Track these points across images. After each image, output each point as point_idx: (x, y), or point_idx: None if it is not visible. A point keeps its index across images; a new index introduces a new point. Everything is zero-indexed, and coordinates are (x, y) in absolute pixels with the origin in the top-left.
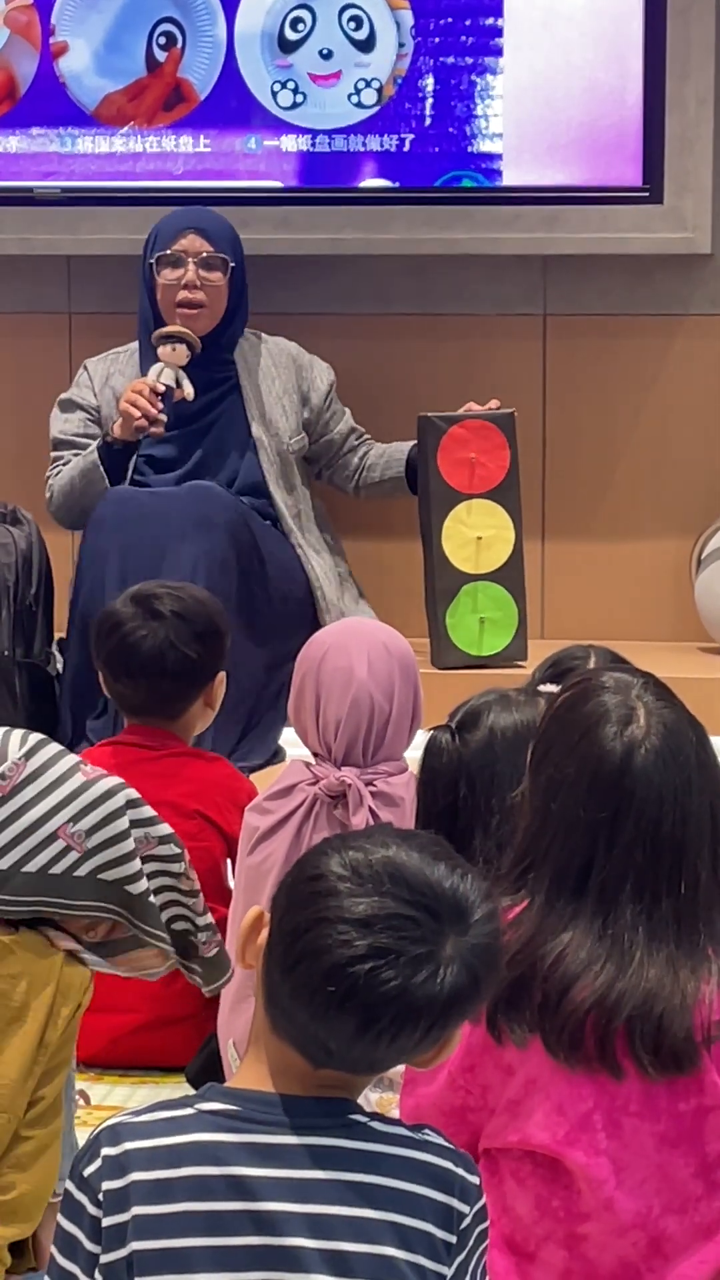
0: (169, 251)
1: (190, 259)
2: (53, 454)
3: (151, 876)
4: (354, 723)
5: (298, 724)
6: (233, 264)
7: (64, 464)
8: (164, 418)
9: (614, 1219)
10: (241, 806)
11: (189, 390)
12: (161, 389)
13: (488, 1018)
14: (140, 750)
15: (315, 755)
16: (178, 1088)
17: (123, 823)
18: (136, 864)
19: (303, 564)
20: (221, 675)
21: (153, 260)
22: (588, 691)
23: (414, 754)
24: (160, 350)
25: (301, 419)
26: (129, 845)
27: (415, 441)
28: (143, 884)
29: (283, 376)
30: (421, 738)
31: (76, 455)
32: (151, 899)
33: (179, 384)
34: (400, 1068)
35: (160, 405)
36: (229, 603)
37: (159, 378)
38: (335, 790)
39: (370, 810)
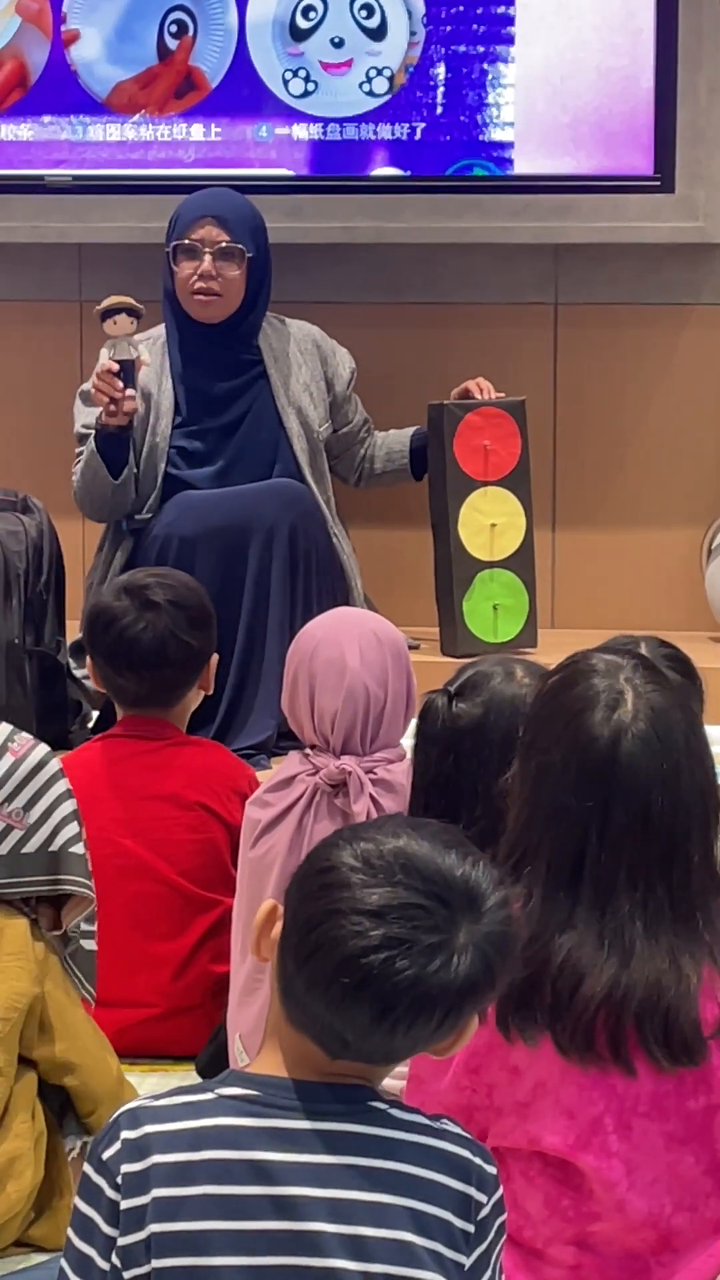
0: (186, 241)
1: (207, 249)
2: (77, 449)
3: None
4: (350, 713)
5: (293, 718)
6: (250, 254)
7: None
8: (131, 393)
9: (625, 1219)
10: (242, 793)
11: (145, 356)
12: (115, 368)
13: (498, 1018)
14: (137, 743)
15: (312, 747)
16: (187, 1076)
17: (60, 785)
18: (76, 825)
19: (339, 553)
20: (215, 658)
21: (169, 249)
22: (576, 674)
23: (409, 741)
24: (105, 327)
25: (327, 406)
26: (70, 806)
27: (413, 430)
28: (81, 845)
29: (309, 363)
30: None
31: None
32: (80, 850)
33: (136, 354)
34: (403, 1074)
35: (120, 384)
36: (295, 601)
37: (112, 356)
38: (336, 779)
39: (371, 797)
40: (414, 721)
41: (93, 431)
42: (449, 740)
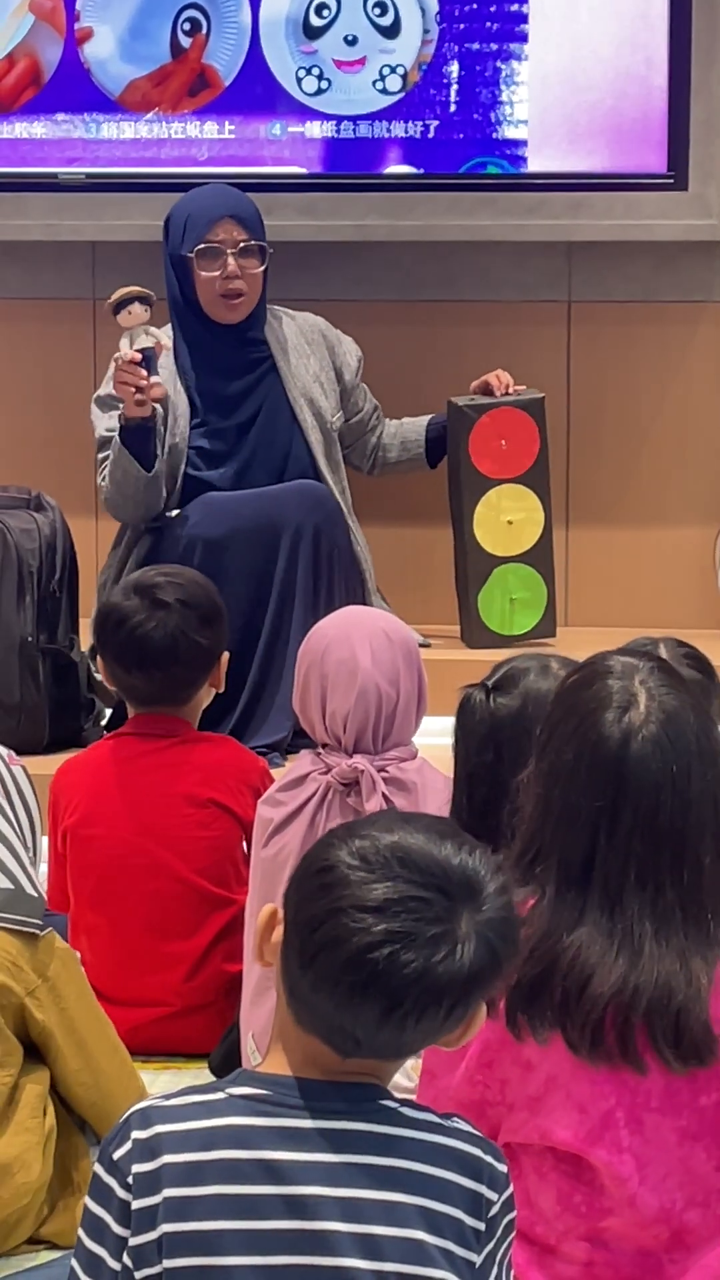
0: (207, 244)
1: (228, 249)
2: (99, 455)
3: None
4: (362, 713)
5: (304, 717)
6: (270, 250)
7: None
8: (157, 379)
9: (637, 1215)
10: (254, 787)
11: (165, 340)
12: (138, 357)
13: (508, 1015)
14: (148, 741)
15: (324, 745)
16: (199, 1075)
17: None
18: None
19: (354, 545)
20: (225, 655)
21: (190, 254)
22: (592, 675)
23: (421, 740)
24: (119, 319)
25: (338, 395)
26: None
27: (429, 419)
28: None
29: (317, 354)
30: (428, 723)
31: None
32: None
33: (155, 339)
34: (414, 1077)
35: (145, 372)
36: (317, 602)
37: (132, 346)
38: (348, 777)
39: (383, 796)
40: (443, 719)
41: (116, 433)
42: (489, 733)
